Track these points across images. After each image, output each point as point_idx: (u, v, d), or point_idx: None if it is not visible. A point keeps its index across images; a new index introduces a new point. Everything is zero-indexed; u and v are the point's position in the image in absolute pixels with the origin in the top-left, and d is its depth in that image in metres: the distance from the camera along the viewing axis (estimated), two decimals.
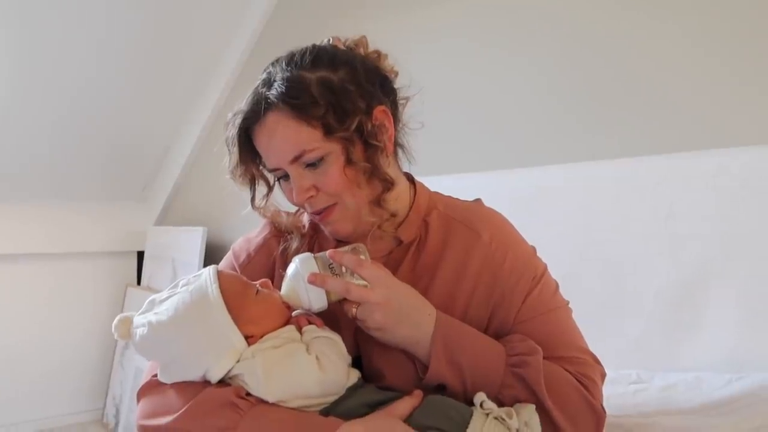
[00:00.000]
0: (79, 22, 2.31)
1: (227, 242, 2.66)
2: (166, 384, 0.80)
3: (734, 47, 1.21)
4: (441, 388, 0.80)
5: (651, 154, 1.29)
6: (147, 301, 0.81)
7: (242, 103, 0.85)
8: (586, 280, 1.28)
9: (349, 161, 0.81)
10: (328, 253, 0.80)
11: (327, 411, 0.76)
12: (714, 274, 1.14)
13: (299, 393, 0.75)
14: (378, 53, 0.90)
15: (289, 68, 0.83)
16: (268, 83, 0.83)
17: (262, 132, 0.83)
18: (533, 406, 0.76)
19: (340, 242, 0.91)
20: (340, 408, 0.76)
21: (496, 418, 0.72)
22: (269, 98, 0.81)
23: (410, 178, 0.96)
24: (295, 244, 0.93)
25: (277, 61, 0.86)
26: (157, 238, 3.05)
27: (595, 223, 1.34)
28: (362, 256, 0.80)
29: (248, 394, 0.75)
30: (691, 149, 1.23)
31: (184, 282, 0.81)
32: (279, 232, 0.96)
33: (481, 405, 0.74)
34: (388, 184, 0.85)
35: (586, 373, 0.84)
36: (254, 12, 2.55)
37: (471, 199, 0.97)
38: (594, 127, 1.44)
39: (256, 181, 0.91)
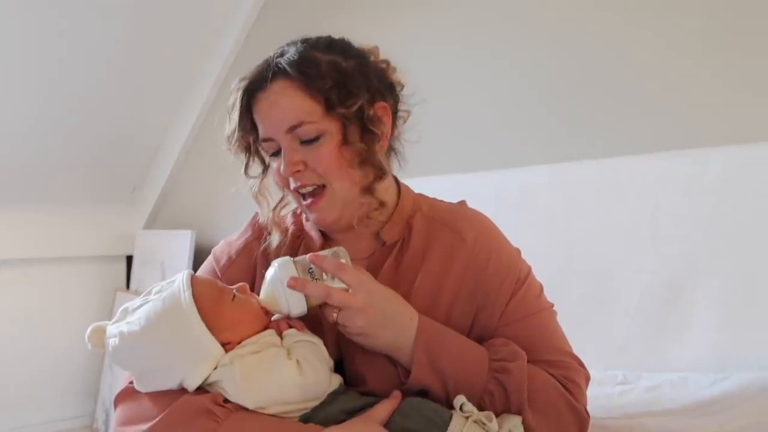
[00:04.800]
0: (65, 21, 2.29)
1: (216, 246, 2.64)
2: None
3: (715, 48, 1.21)
4: (423, 393, 0.78)
5: (634, 154, 1.29)
6: (120, 309, 0.79)
7: (249, 71, 0.85)
8: (571, 280, 1.28)
9: (345, 141, 0.82)
10: (308, 256, 0.79)
11: (307, 417, 0.75)
12: (698, 274, 1.14)
13: (279, 399, 0.74)
14: (387, 63, 0.91)
15: (303, 46, 0.85)
16: (280, 55, 0.85)
17: (265, 98, 0.83)
18: (519, 418, 0.75)
19: (324, 245, 0.90)
20: (320, 415, 0.75)
21: (476, 421, 0.71)
22: (279, 64, 0.82)
23: (395, 181, 0.95)
24: (275, 244, 0.91)
25: (292, 41, 0.87)
26: (145, 241, 3.03)
27: (579, 224, 1.34)
28: (343, 260, 0.79)
29: (226, 400, 0.74)
30: (674, 149, 1.23)
31: (157, 289, 0.78)
32: (260, 235, 0.95)
33: (461, 408, 0.73)
34: (380, 172, 0.85)
35: (570, 377, 0.83)
36: (242, 10, 2.54)
37: (455, 200, 0.96)
38: (578, 127, 1.44)
39: (251, 151, 0.90)
